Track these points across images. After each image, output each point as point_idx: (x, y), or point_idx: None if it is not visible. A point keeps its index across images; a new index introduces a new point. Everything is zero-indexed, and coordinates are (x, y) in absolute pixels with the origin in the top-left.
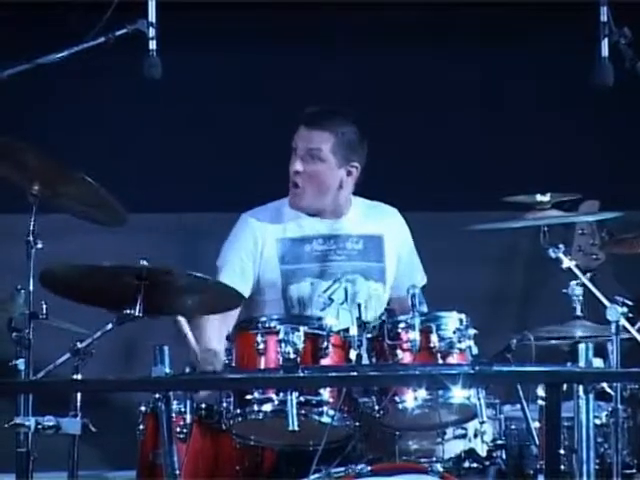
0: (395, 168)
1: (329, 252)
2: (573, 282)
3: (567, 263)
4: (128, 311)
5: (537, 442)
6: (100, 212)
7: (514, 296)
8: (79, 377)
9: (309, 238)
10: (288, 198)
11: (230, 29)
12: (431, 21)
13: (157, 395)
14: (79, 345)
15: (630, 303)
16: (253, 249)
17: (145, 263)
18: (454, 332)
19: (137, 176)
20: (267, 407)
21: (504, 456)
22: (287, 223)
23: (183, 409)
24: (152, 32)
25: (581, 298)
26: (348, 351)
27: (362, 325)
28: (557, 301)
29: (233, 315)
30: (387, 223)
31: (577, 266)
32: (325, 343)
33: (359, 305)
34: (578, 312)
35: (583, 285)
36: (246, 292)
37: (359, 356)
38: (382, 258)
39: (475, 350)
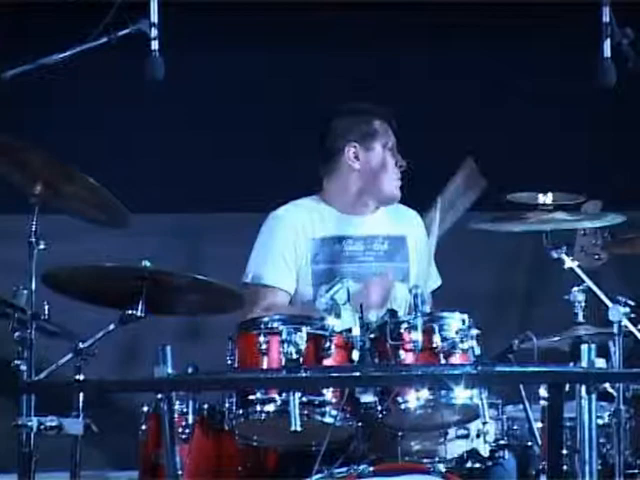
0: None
1: (359, 253)
2: (575, 288)
3: (569, 264)
4: (130, 311)
5: (539, 442)
6: (102, 213)
7: (517, 296)
8: (81, 377)
9: (339, 238)
10: (388, 186)
11: (232, 29)
12: (432, 21)
13: (159, 395)
14: (81, 345)
15: (632, 303)
16: (291, 246)
17: (147, 264)
18: (457, 332)
19: (140, 177)
20: (270, 407)
21: (506, 456)
22: (317, 222)
23: (185, 409)
24: (154, 32)
25: (583, 304)
26: (351, 351)
27: (364, 325)
28: (560, 302)
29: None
30: (409, 225)
31: (579, 267)
32: (327, 343)
33: (361, 305)
34: (580, 318)
35: (585, 288)
36: (292, 287)
37: (361, 356)
38: (407, 258)
39: (477, 350)
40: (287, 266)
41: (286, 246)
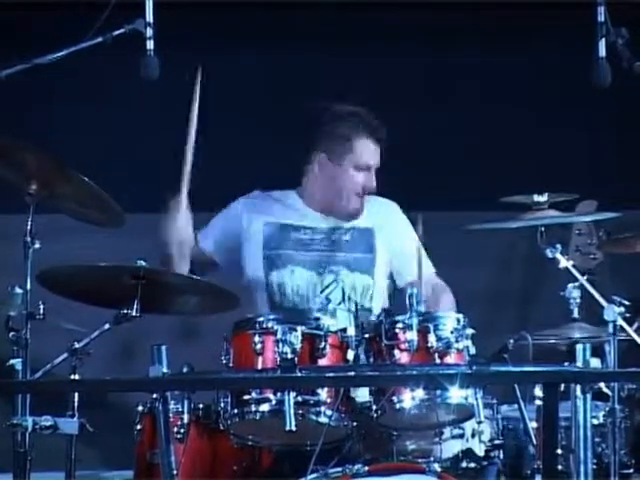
0: (393, 168)
1: (313, 241)
2: (570, 285)
3: (564, 263)
4: (125, 311)
5: (534, 442)
6: (98, 213)
7: (512, 296)
8: (77, 377)
9: (297, 227)
10: (343, 204)
11: (228, 29)
12: (431, 21)
13: (154, 395)
14: (77, 345)
15: (627, 303)
16: (236, 227)
17: (142, 263)
18: (452, 332)
19: (135, 176)
20: (264, 407)
21: (502, 456)
22: (279, 210)
23: (180, 409)
24: (149, 32)
25: (578, 301)
26: (346, 351)
27: (360, 325)
28: (555, 301)
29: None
30: (382, 217)
31: (574, 266)
32: (323, 343)
33: (356, 303)
34: (575, 315)
35: (580, 286)
36: (206, 245)
37: (357, 356)
38: (372, 249)
39: (472, 350)
40: (216, 230)
41: (228, 226)
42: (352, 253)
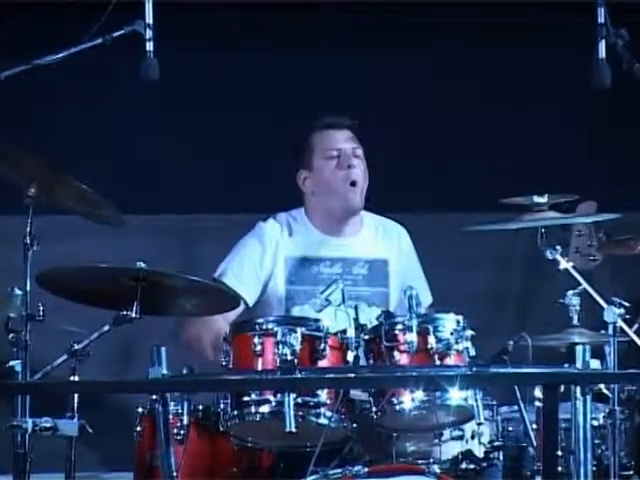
0: (393, 169)
1: (336, 276)
2: (570, 292)
3: (564, 264)
4: (125, 312)
5: (534, 443)
6: (95, 215)
7: (512, 297)
8: (76, 378)
9: (317, 259)
10: (340, 200)
11: (227, 30)
12: (431, 21)
13: (154, 396)
14: (76, 346)
15: (627, 304)
16: (259, 261)
17: (142, 265)
18: (451, 333)
19: (136, 177)
20: (264, 408)
21: (501, 457)
22: (297, 240)
23: (180, 410)
24: (149, 33)
25: (578, 307)
26: (345, 352)
27: (359, 327)
28: (554, 303)
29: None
30: (393, 245)
31: (574, 267)
32: (322, 345)
33: (356, 307)
34: (575, 322)
35: (580, 291)
36: (251, 298)
37: (356, 357)
38: (387, 282)
39: (472, 351)
40: (251, 278)
41: (256, 260)
42: (370, 287)
